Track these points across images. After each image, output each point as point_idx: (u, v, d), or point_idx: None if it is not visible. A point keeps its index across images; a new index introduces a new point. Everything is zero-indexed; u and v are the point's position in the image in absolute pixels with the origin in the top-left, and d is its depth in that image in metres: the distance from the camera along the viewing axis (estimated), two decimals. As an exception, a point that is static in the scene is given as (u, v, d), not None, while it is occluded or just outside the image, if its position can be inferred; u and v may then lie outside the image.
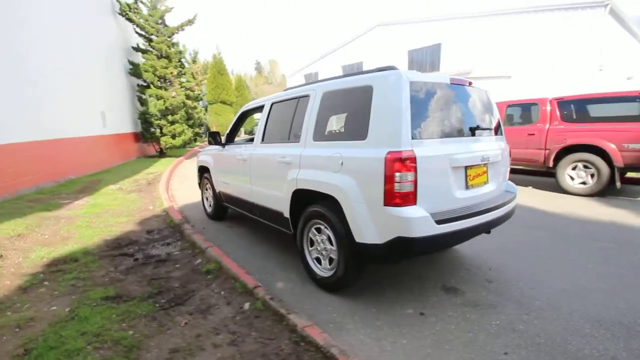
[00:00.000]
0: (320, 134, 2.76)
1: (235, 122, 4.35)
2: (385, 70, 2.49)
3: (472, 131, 2.64)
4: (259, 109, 3.94)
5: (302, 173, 2.80)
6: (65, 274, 3.04)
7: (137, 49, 11.78)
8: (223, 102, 33.50)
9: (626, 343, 2.05)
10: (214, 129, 32.81)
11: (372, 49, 22.47)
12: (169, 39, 12.41)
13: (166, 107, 11.93)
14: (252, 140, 4.80)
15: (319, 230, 2.79)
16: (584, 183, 5.73)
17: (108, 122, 9.55)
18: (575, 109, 5.98)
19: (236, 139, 4.60)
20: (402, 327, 2.27)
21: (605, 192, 5.62)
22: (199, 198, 6.24)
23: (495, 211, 2.61)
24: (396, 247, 2.22)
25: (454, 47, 17.68)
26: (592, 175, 5.62)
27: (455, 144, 2.48)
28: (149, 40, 11.88)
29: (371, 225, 2.28)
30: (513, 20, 15.44)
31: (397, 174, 2.13)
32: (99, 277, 3.01)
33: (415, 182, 2.17)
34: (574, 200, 5.48)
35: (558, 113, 6.01)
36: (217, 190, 4.58)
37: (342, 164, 2.45)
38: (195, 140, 14.55)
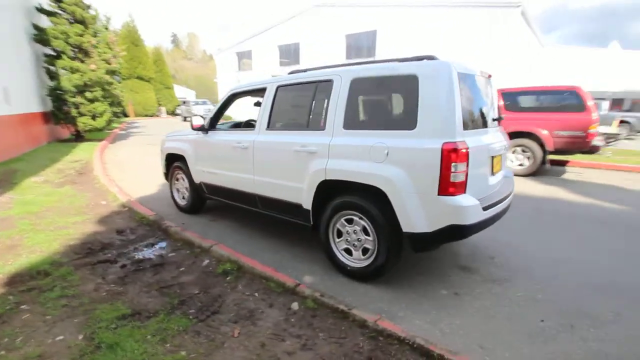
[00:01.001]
0: (352, 122, 2.67)
1: (222, 105, 3.93)
2: (424, 59, 2.50)
3: (492, 121, 2.85)
4: (257, 92, 3.62)
5: (333, 163, 2.69)
6: (44, 292, 2.46)
7: (41, 10, 9.63)
8: (140, 78, 29.88)
9: (618, 300, 2.50)
10: (129, 108, 29.25)
11: (309, 30, 22.19)
12: (83, 1, 10.43)
13: (84, 83, 10.14)
14: (249, 126, 4.46)
15: (349, 221, 2.74)
16: (521, 165, 6.66)
17: (12, 100, 7.74)
18: (516, 99, 6.84)
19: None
20: (447, 308, 2.41)
21: (537, 172, 6.63)
22: (155, 189, 5.61)
23: (510, 196, 2.89)
24: (446, 235, 2.32)
25: (389, 35, 18.47)
26: (529, 158, 6.56)
27: (485, 134, 2.64)
28: (58, 1, 9.81)
29: (421, 214, 2.32)
30: (445, 13, 16.70)
31: (453, 164, 2.19)
32: (92, 292, 2.51)
33: (466, 172, 2.26)
34: (515, 180, 6.36)
35: (502, 103, 6.79)
36: (198, 181, 4.14)
37: (387, 154, 2.41)
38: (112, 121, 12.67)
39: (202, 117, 4.18)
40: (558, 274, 2.91)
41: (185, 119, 25.74)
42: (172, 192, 4.73)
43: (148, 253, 3.26)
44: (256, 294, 2.50)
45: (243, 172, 3.50)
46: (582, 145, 6.10)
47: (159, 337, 1.98)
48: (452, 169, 2.20)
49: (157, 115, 32.14)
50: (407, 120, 2.39)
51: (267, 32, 24.63)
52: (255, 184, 3.39)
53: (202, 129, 3.92)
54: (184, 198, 4.58)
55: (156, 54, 33.90)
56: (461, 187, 2.26)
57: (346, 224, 2.77)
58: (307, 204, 2.94)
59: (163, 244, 3.45)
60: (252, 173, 3.40)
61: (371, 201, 2.55)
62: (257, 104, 4.73)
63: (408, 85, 2.43)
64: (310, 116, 3.00)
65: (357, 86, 2.69)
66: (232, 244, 3.42)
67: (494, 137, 2.82)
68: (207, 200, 4.45)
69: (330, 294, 2.40)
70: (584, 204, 4.95)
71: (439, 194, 2.25)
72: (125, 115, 26.21)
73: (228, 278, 2.74)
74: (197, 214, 4.48)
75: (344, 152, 2.65)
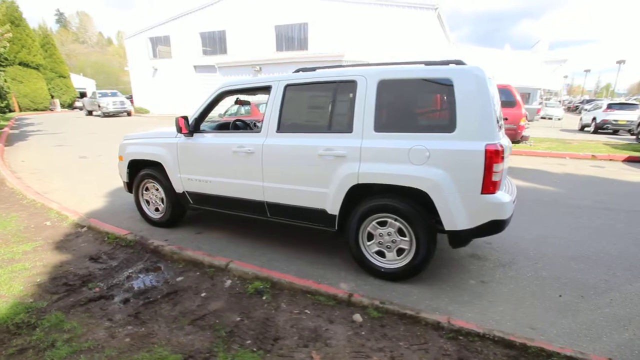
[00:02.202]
0: (384, 125, 2.65)
1: (209, 104, 3.50)
2: (452, 63, 2.60)
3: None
4: (255, 90, 3.33)
5: (367, 167, 2.64)
6: (44, 350, 1.92)
7: None
8: (25, 65, 24.87)
9: (598, 268, 3.02)
10: (13, 102, 24.15)
11: (236, 18, 21.07)
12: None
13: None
14: (238, 127, 4.07)
15: (382, 224, 2.75)
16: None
17: None
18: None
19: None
20: (485, 297, 2.61)
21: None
22: (102, 201, 4.92)
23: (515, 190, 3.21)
24: (486, 230, 2.50)
25: (321, 29, 18.61)
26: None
27: (502, 135, 2.88)
28: None
29: (464, 212, 2.45)
30: (373, 10, 17.45)
31: (495, 164, 2.35)
32: (111, 340, 2.05)
33: (502, 171, 2.45)
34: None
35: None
36: (181, 191, 3.66)
37: (428, 156, 2.47)
38: None
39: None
40: (546, 252, 3.37)
41: (90, 113, 22.35)
42: (139, 205, 4.10)
43: (147, 281, 2.79)
44: (307, 311, 2.35)
45: (247, 179, 3.21)
46: (514, 137, 7.08)
47: (237, 380, 1.74)
48: (494, 169, 2.36)
49: (51, 110, 27.28)
50: (446, 123, 2.47)
51: (187, 16, 22.61)
52: (265, 191, 3.14)
53: (183, 131, 3.44)
54: (157, 210, 4.02)
55: (44, 36, 28.52)
56: (499, 185, 2.44)
57: (378, 226, 2.77)
58: (334, 209, 2.85)
59: (162, 267, 2.99)
60: (260, 179, 3.14)
61: (408, 203, 2.60)
62: (238, 102, 4.39)
63: (442, 89, 2.51)
64: (333, 118, 2.88)
65: (385, 88, 2.66)
66: (237, 258, 3.14)
67: (505, 137, 3.10)
68: (185, 213, 4.00)
69: (390, 300, 2.38)
70: (527, 188, 5.79)
71: (481, 193, 2.40)
72: (10, 110, 21.67)
73: (264, 298, 2.51)
74: (176, 227, 3.98)
75: (378, 155, 2.62)
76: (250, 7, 20.55)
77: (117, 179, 6.34)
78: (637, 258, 3.25)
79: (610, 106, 14.09)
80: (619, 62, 32.96)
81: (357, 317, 2.25)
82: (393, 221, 2.70)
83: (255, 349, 1.98)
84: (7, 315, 2.22)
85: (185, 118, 3.39)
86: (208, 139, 3.45)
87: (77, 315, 2.29)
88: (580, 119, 16.40)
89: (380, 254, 2.83)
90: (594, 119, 14.47)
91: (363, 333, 2.13)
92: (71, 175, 6.49)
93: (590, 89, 78.95)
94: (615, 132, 14.23)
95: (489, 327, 2.10)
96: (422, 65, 2.67)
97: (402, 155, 2.54)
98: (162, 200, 3.94)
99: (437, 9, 16.08)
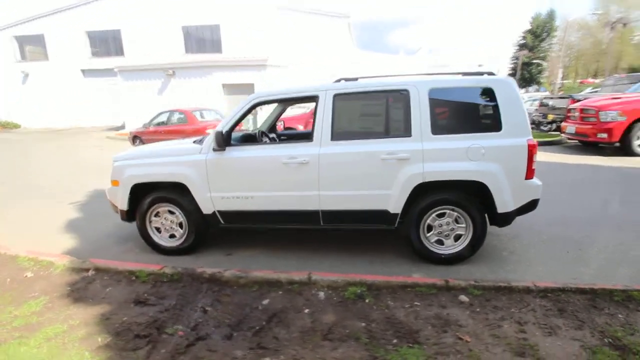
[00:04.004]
0: (440, 128, 3.00)
1: (241, 116, 3.30)
2: (485, 74, 3.11)
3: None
4: (296, 100, 3.30)
5: (430, 166, 2.96)
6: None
7: None
8: None
9: (577, 227, 3.98)
10: None
11: (133, 16, 18.82)
12: None
13: None
14: (286, 138, 3.90)
15: (441, 215, 3.12)
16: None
17: None
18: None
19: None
20: (521, 262, 3.21)
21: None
22: (64, 238, 4.16)
23: None
24: (525, 209, 3.09)
25: (235, 32, 18.06)
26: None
27: None
28: None
29: (512, 196, 2.99)
30: (289, 16, 17.74)
31: (534, 155, 2.94)
32: (264, 375, 1.90)
33: (534, 160, 3.07)
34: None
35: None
36: (211, 211, 3.37)
37: (484, 153, 2.92)
38: None
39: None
40: (535, 219, 4.20)
41: None
42: (147, 233, 3.59)
43: (230, 311, 2.56)
44: (417, 303, 2.55)
45: (300, 190, 3.19)
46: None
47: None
48: (534, 159, 2.95)
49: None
50: (493, 124, 2.97)
51: (68, 12, 19.15)
52: (321, 200, 3.18)
53: (220, 147, 3.18)
54: (173, 237, 3.59)
55: None
56: (535, 172, 3.06)
57: (437, 218, 3.13)
58: (396, 208, 3.09)
59: (230, 295, 2.76)
60: (315, 189, 3.16)
61: (464, 194, 3.03)
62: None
63: (486, 96, 3.00)
64: (389, 124, 3.11)
65: (436, 96, 3.03)
66: (294, 269, 3.12)
67: None
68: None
69: (480, 279, 2.76)
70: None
71: (525, 179, 2.97)
72: None
73: (367, 300, 2.60)
74: (197, 253, 3.63)
75: (440, 155, 2.97)
76: (149, 5, 18.62)
77: (60, 207, 5.29)
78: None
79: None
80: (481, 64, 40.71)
81: (463, 297, 2.56)
82: (451, 211, 3.09)
83: (410, 345, 2.11)
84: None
85: (221, 133, 3.14)
86: (247, 152, 3.27)
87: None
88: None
89: (439, 242, 3.19)
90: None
91: (478, 310, 2.45)
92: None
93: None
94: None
95: (562, 282, 2.66)
96: (460, 76, 3.13)
97: (462, 154, 2.95)
98: (179, 225, 3.53)
99: (348, 17, 17.37)
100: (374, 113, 3.24)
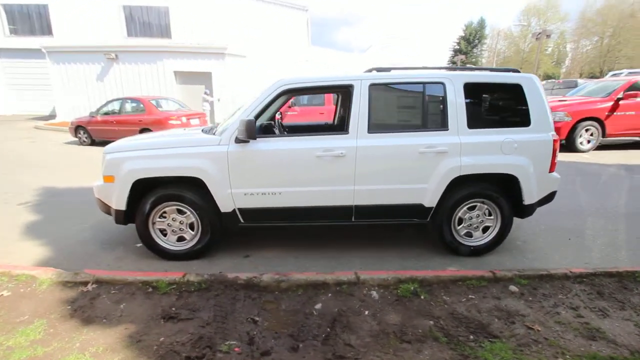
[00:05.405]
0: (475, 122, 3.02)
1: (266, 105, 2.98)
2: (511, 71, 3.20)
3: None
4: (329, 89, 3.09)
5: (468, 160, 2.98)
6: None
7: None
8: None
9: (571, 217, 4.35)
10: None
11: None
12: None
13: None
14: (319, 130, 3.60)
15: (471, 208, 3.17)
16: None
17: None
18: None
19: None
20: (539, 250, 3.41)
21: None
22: (32, 247, 3.59)
23: None
24: (545, 200, 3.27)
25: (188, 16, 16.72)
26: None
27: None
28: None
29: (536, 188, 3.14)
30: (243, 3, 16.89)
31: (557, 149, 3.12)
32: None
33: (554, 154, 3.26)
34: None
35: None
36: (232, 209, 3.03)
37: (516, 147, 3.01)
38: None
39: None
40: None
41: None
42: (150, 237, 3.12)
43: (279, 319, 2.31)
44: (471, 296, 2.54)
45: (334, 184, 3.01)
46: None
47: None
48: (556, 153, 3.13)
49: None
50: (522, 119, 3.07)
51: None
52: (356, 195, 3.03)
53: (244, 136, 2.84)
54: (182, 240, 3.17)
55: None
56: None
57: (468, 211, 3.18)
58: (432, 202, 3.07)
59: (273, 301, 2.49)
60: (351, 183, 3.00)
61: (495, 187, 3.11)
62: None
63: (515, 92, 3.09)
64: (427, 117, 3.05)
65: (470, 90, 3.04)
66: (325, 269, 2.98)
67: None
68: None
69: (523, 269, 2.85)
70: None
71: (549, 172, 3.14)
72: None
73: (422, 297, 2.53)
74: (209, 257, 3.26)
75: (476, 149, 3.00)
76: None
77: (8, 209, 4.42)
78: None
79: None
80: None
81: (513, 287, 2.62)
82: (481, 204, 3.16)
83: (491, 340, 2.08)
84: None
85: (254, 121, 2.81)
86: (276, 144, 2.98)
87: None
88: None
89: (468, 234, 3.24)
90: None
91: (530, 298, 2.52)
92: None
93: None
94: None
95: (592, 267, 2.86)
96: (488, 72, 3.19)
97: (496, 148, 3.01)
98: (190, 226, 3.12)
99: (307, 10, 17.13)
100: (409, 105, 3.17)
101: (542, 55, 42.66)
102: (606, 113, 8.21)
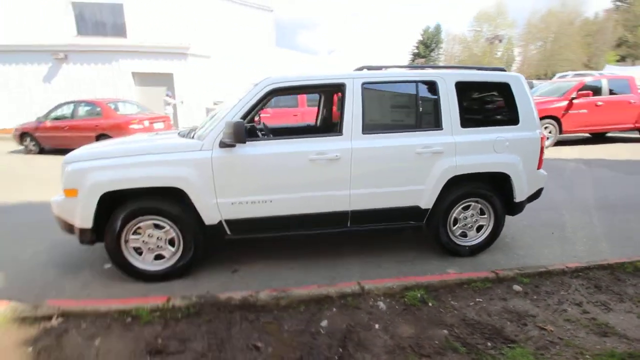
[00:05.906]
0: (467, 121, 2.99)
1: (253, 105, 2.74)
2: (498, 70, 3.22)
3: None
4: (319, 88, 2.91)
5: (461, 159, 2.94)
6: None
7: None
8: None
9: (551, 212, 4.49)
10: None
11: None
12: None
13: None
14: (305, 132, 3.40)
15: (466, 208, 3.14)
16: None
17: None
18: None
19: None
20: (531, 247, 3.45)
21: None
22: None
23: None
24: (532, 197, 3.32)
25: (145, 14, 15.76)
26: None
27: None
28: None
29: (526, 185, 3.17)
30: (205, 2, 16.24)
31: (544, 147, 3.17)
32: None
33: (539, 151, 3.31)
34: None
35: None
36: (218, 221, 2.76)
37: (507, 145, 3.02)
38: None
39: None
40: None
41: None
42: (123, 257, 2.76)
43: (284, 340, 2.09)
44: (479, 299, 2.47)
45: (329, 189, 2.84)
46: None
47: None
48: (543, 150, 3.18)
49: None
50: (511, 118, 3.09)
51: None
52: (352, 199, 2.88)
53: (225, 141, 2.58)
54: (160, 258, 2.83)
55: None
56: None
57: (462, 211, 3.14)
58: (428, 204, 3.00)
59: (277, 321, 2.25)
60: (346, 188, 2.85)
61: (490, 185, 3.10)
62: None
63: (503, 90, 3.10)
64: (420, 116, 2.97)
65: (461, 89, 3.01)
66: (323, 281, 2.80)
67: None
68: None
69: (522, 267, 2.83)
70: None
71: (537, 169, 3.18)
72: None
73: (430, 304, 2.42)
74: (191, 275, 2.94)
75: (470, 148, 2.96)
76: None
77: None
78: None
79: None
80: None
81: (517, 287, 2.59)
82: (475, 203, 3.13)
83: (510, 346, 2.01)
84: None
85: (244, 123, 2.56)
86: (265, 148, 2.75)
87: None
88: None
89: (462, 235, 3.21)
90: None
91: (535, 297, 2.50)
92: None
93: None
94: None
95: (586, 262, 2.91)
96: (480, 71, 3.18)
97: (489, 147, 3.00)
98: (169, 241, 2.80)
99: (272, 11, 16.84)
100: (403, 104, 3.08)
101: (493, 58, 45.41)
102: (562, 112, 8.76)
